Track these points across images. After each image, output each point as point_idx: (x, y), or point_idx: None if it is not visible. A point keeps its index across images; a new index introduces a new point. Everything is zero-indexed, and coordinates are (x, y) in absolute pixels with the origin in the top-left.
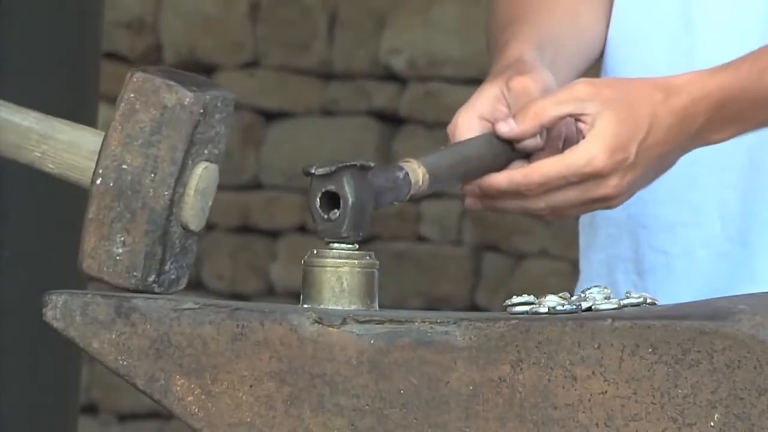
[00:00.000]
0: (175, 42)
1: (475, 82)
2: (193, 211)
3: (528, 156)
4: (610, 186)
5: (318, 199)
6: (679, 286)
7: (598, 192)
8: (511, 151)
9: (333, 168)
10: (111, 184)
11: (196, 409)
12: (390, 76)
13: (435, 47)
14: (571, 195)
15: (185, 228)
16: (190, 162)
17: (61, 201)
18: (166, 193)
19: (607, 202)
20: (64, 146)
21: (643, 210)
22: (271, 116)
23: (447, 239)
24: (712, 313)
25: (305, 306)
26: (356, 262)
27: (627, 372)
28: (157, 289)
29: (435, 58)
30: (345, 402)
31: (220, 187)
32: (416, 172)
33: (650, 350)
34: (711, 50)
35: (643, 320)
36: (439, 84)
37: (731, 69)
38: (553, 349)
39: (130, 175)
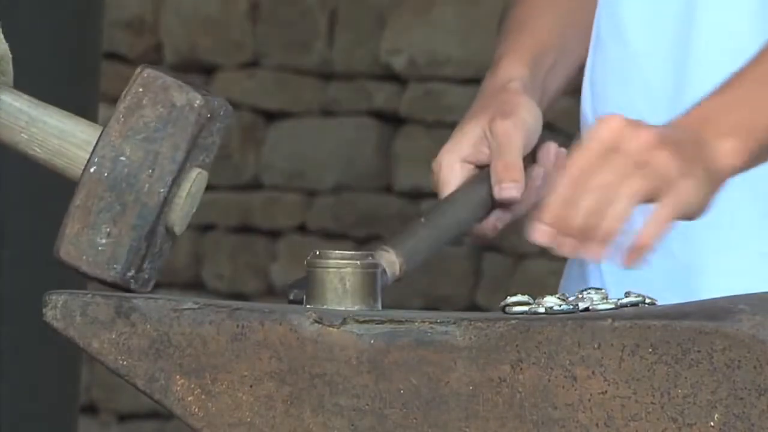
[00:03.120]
0: (175, 42)
1: (475, 82)
2: (182, 213)
3: (509, 206)
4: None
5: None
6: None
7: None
8: (489, 205)
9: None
10: (106, 174)
11: (196, 409)
12: (390, 76)
13: (435, 47)
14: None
15: (169, 230)
16: (187, 164)
17: (62, 201)
18: (161, 190)
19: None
20: (54, 132)
21: None
22: (271, 116)
23: None
24: (712, 313)
25: (306, 306)
26: (359, 263)
27: (627, 372)
28: (133, 286)
29: (435, 58)
30: (345, 402)
31: (221, 187)
32: (393, 264)
33: (650, 350)
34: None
35: (643, 320)
36: (439, 84)
37: None
38: (553, 349)
39: (127, 168)
